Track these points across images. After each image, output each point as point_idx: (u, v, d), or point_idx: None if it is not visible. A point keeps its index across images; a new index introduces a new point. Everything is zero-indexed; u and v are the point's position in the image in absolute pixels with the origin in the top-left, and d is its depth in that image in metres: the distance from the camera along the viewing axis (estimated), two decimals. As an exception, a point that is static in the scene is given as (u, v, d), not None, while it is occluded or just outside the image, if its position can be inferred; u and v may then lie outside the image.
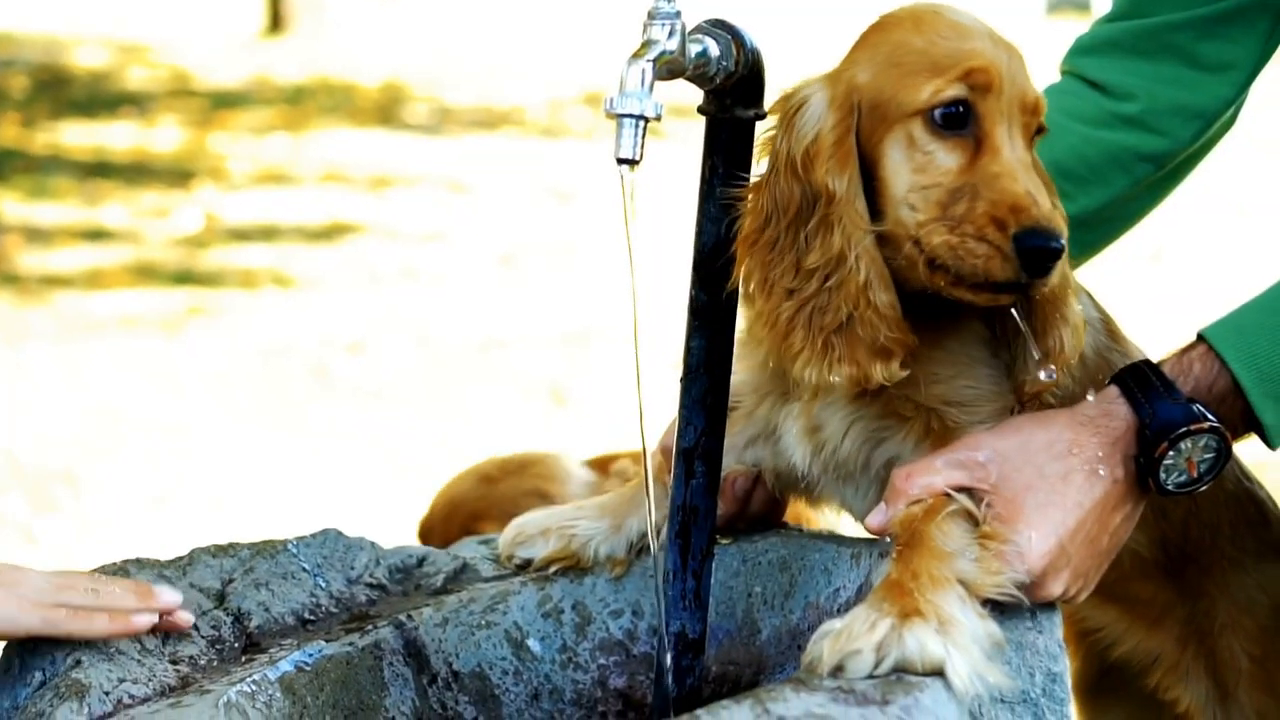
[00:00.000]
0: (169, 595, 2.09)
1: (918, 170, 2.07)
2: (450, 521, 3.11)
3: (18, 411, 6.58)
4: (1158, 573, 2.39)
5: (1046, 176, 2.15)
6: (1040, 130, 2.13)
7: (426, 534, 3.21)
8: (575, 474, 3.12)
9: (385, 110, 12.74)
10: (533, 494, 3.05)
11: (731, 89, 2.13)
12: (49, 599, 2.02)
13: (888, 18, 2.15)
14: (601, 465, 3.30)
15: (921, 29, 2.10)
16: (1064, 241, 2.03)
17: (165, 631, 2.11)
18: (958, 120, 2.06)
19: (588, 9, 17.20)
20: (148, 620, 2.05)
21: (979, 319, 2.18)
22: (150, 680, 2.01)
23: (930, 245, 2.04)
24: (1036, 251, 2.00)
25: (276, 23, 15.75)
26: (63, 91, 13.22)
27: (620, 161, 1.95)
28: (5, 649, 2.10)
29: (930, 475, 2.07)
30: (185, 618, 2.11)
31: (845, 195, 2.07)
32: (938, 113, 2.06)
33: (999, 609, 2.00)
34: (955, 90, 2.06)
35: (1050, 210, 2.04)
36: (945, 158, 2.06)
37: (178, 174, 10.59)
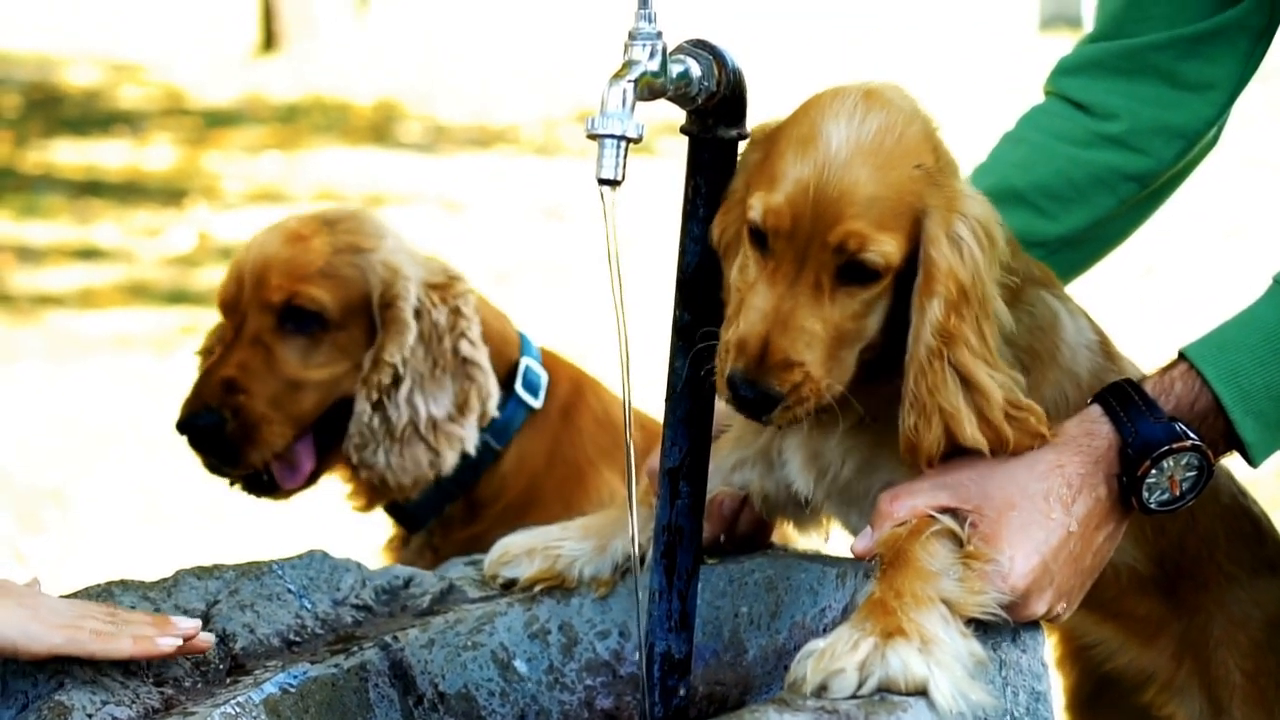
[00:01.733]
0: (187, 623, 2.09)
1: (739, 271, 2.12)
2: (263, 286, 2.89)
3: (8, 430, 6.57)
4: (1153, 589, 2.40)
5: (828, 324, 2.05)
6: (855, 265, 2.04)
7: (231, 303, 2.96)
8: (389, 229, 2.98)
9: (379, 129, 12.74)
10: (346, 250, 2.91)
11: (714, 109, 2.14)
12: (71, 621, 2.01)
13: (811, 100, 2.14)
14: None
15: (800, 124, 2.09)
16: (772, 394, 2.02)
17: (182, 655, 2.10)
18: (762, 240, 2.07)
19: (582, 27, 17.22)
20: (172, 643, 2.04)
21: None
22: (134, 703, 2.01)
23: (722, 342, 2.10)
24: (738, 397, 2.04)
25: (269, 41, 15.75)
26: (55, 110, 13.22)
27: (602, 182, 1.96)
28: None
29: (915, 497, 2.08)
30: (207, 638, 2.11)
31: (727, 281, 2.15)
32: (751, 228, 2.08)
33: (982, 628, 2.01)
34: (755, 215, 2.06)
35: (767, 366, 2.02)
36: (750, 271, 2.09)
37: (170, 193, 10.58)
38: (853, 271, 2.04)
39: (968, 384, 2.04)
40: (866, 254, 2.02)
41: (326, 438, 2.97)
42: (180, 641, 2.05)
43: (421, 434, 2.88)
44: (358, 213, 2.99)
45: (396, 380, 2.88)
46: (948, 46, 15.75)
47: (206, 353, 3.03)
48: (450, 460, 2.91)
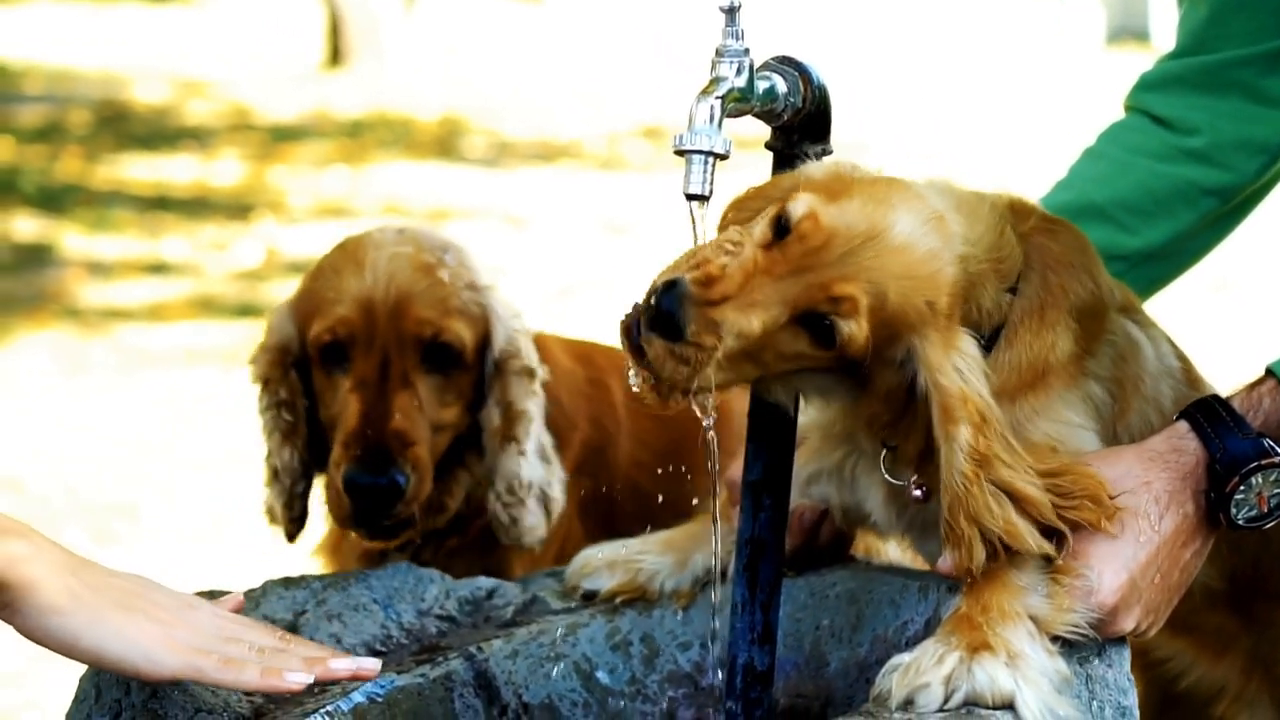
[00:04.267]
0: (342, 666, 2.03)
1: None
2: (404, 319, 2.64)
3: (78, 444, 6.63)
4: (1224, 604, 2.40)
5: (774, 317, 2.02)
6: (824, 322, 2.02)
7: (362, 337, 2.65)
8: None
9: (444, 143, 12.80)
10: (467, 286, 2.70)
11: (799, 125, 2.15)
12: (205, 645, 1.96)
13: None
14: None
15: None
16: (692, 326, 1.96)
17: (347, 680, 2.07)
18: (784, 233, 2.05)
19: (645, 42, 17.26)
20: (301, 680, 1.98)
21: (1083, 382, 2.19)
22: (225, 710, 2.03)
23: None
24: (658, 306, 1.98)
25: (335, 57, 15.86)
26: (124, 126, 13.35)
27: (690, 197, 1.97)
28: (82, 677, 2.12)
29: None
30: (369, 666, 2.05)
31: None
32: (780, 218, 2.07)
33: (1069, 643, 2.01)
34: (793, 209, 2.04)
35: (711, 298, 1.98)
36: (750, 240, 2.07)
37: (238, 207, 10.66)
38: (817, 323, 2.01)
39: (1014, 498, 2.00)
40: (844, 324, 2.00)
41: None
42: (310, 679, 1.99)
43: (539, 492, 2.74)
44: (447, 240, 2.78)
45: (529, 434, 2.73)
46: (1016, 61, 15.72)
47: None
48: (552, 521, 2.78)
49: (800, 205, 2.03)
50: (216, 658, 1.96)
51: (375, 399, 2.62)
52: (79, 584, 1.93)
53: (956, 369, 2.03)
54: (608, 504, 2.89)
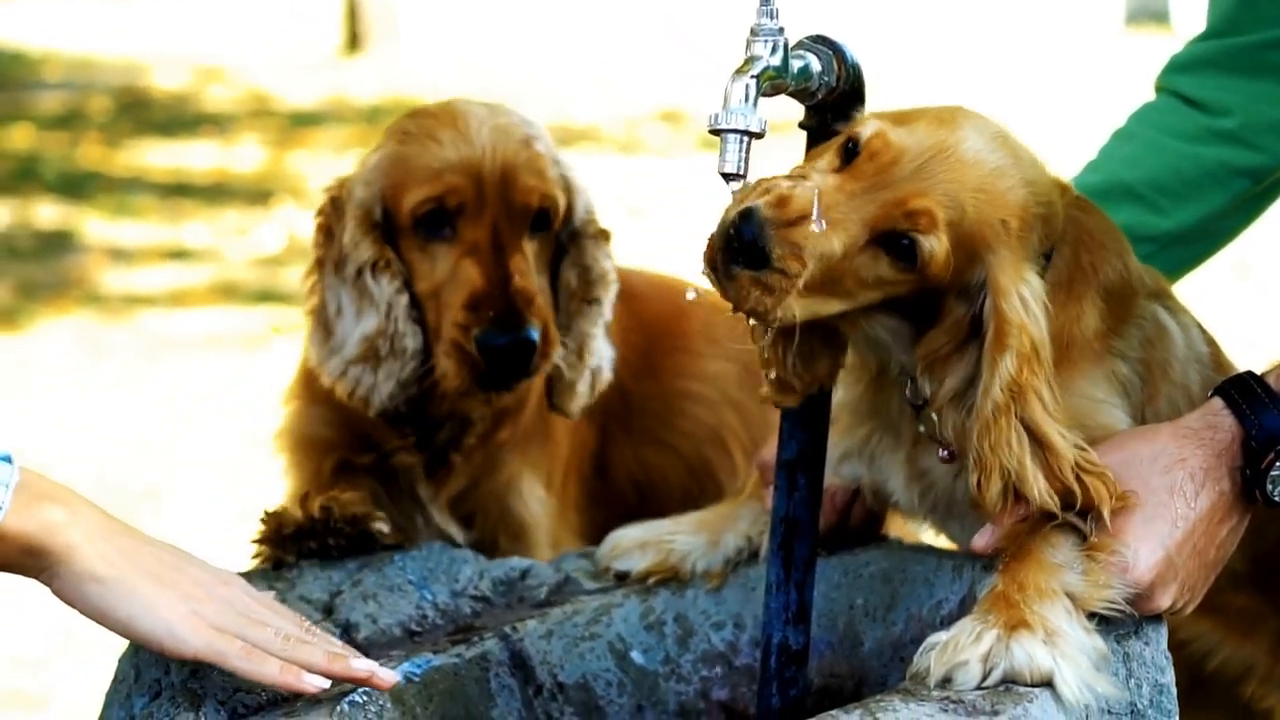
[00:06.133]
0: (361, 665, 2.02)
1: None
2: (512, 188, 2.64)
3: (101, 430, 6.65)
4: (1249, 585, 2.39)
5: (847, 251, 2.00)
6: (902, 239, 2.01)
7: (470, 206, 2.64)
8: None
9: (462, 129, 12.79)
10: (553, 160, 2.71)
11: (833, 104, 2.15)
12: (232, 626, 1.97)
13: None
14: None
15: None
16: (766, 251, 1.94)
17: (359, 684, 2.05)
18: (853, 153, 2.05)
19: (661, 25, 17.24)
20: (318, 684, 1.98)
21: (1109, 359, 2.18)
22: (264, 689, 2.03)
23: None
24: (735, 230, 1.96)
25: (353, 42, 15.86)
26: (144, 113, 13.36)
27: (725, 176, 1.96)
28: (121, 658, 2.13)
29: None
30: (386, 677, 2.04)
31: None
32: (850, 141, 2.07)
33: (1106, 620, 2.01)
34: (863, 132, 2.04)
35: (781, 221, 1.96)
36: (820, 167, 2.08)
37: (258, 193, 10.67)
38: (897, 243, 1.99)
39: (1037, 441, 1.99)
40: (924, 239, 1.98)
41: None
42: (328, 684, 1.99)
43: (594, 363, 2.76)
44: (528, 118, 2.77)
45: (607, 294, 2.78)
46: (1035, 43, 15.68)
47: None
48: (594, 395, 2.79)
49: (868, 127, 2.03)
50: (240, 644, 1.96)
51: (493, 264, 2.62)
52: (115, 552, 1.94)
53: (1021, 298, 2.01)
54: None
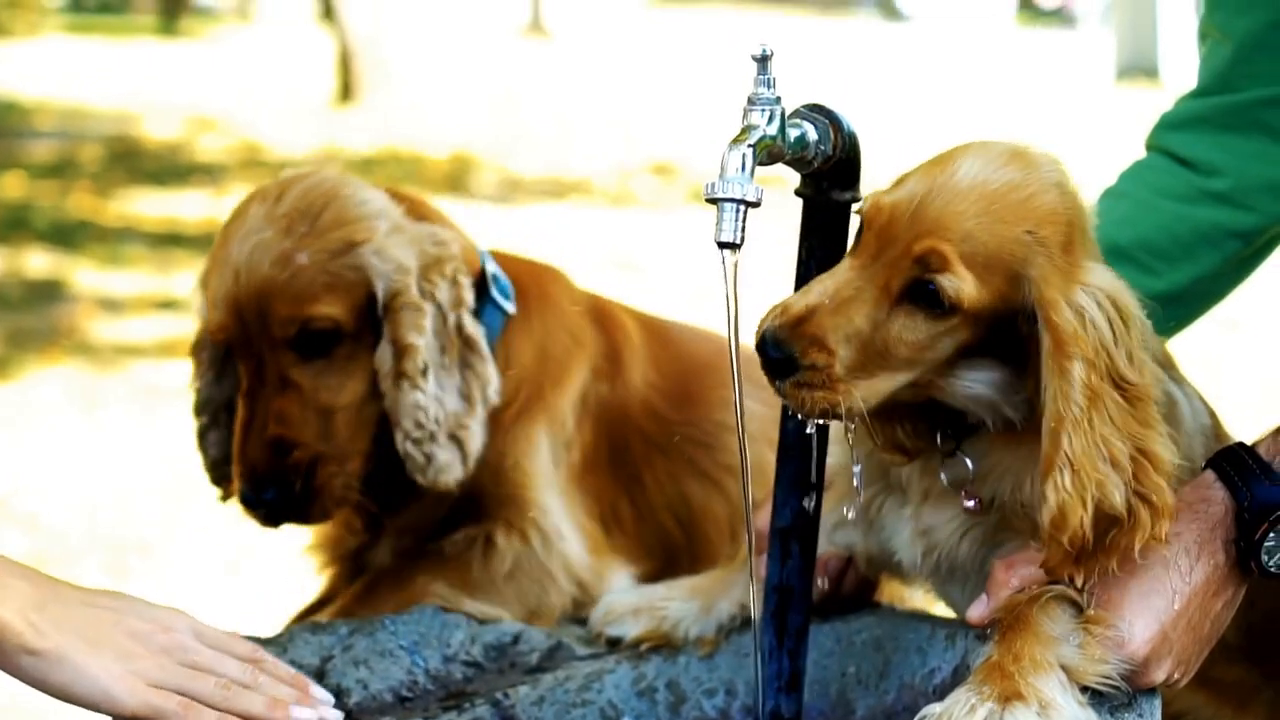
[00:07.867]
0: (304, 714, 2.06)
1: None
2: (269, 319, 2.53)
3: (93, 480, 6.64)
4: (1242, 657, 2.38)
5: (876, 330, 2.01)
6: (927, 286, 1.99)
7: (236, 342, 2.58)
8: (367, 198, 2.62)
9: (454, 179, 12.83)
10: (340, 251, 2.56)
11: (829, 172, 2.15)
12: (171, 680, 1.99)
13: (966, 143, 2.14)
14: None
15: (941, 154, 2.08)
16: (793, 358, 1.97)
17: None
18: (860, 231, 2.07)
19: (653, 81, 17.30)
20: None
21: None
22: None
23: None
24: (763, 353, 1.99)
25: (346, 92, 15.92)
26: (135, 162, 13.40)
27: (722, 245, 1.96)
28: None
29: (1031, 565, 2.06)
30: (334, 717, 2.09)
31: None
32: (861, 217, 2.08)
33: (1099, 693, 2.00)
34: (861, 206, 2.06)
35: (798, 333, 1.98)
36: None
37: (249, 244, 10.68)
38: (922, 293, 1.99)
39: (1138, 449, 1.96)
40: (942, 278, 1.97)
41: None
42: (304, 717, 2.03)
43: (449, 429, 2.60)
44: (334, 191, 2.61)
45: (425, 368, 2.58)
46: (1027, 96, 15.74)
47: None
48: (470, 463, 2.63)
49: (863, 203, 2.03)
50: (178, 700, 1.98)
51: (250, 411, 2.54)
52: (47, 622, 1.96)
53: (1076, 306, 1.97)
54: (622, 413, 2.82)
